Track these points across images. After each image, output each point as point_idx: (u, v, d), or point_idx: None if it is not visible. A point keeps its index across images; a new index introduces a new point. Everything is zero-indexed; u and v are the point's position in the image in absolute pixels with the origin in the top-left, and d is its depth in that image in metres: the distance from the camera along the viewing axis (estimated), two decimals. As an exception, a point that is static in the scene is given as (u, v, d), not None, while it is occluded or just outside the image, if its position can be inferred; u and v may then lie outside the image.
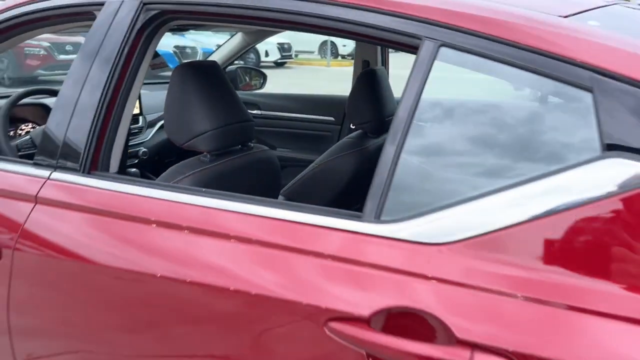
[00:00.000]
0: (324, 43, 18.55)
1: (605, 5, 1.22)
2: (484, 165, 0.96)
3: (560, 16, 0.99)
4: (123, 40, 1.19)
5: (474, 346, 0.80)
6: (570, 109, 0.91)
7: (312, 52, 19.47)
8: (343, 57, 19.46)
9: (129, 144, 2.17)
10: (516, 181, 0.86)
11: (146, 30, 1.21)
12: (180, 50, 11.85)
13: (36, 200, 1.18)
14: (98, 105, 1.18)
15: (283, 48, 16.64)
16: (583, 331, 0.79)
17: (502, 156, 0.95)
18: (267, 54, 16.21)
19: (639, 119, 0.81)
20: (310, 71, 16.31)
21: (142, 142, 2.36)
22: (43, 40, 9.26)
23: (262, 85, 3.11)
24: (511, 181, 0.86)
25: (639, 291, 0.78)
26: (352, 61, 2.92)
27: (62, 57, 9.31)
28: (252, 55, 15.42)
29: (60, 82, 1.55)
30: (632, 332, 0.77)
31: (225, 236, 1.01)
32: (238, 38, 2.64)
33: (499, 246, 0.85)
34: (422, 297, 0.85)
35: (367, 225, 0.92)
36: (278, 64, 17.08)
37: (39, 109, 2.10)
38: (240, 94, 2.13)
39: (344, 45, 18.76)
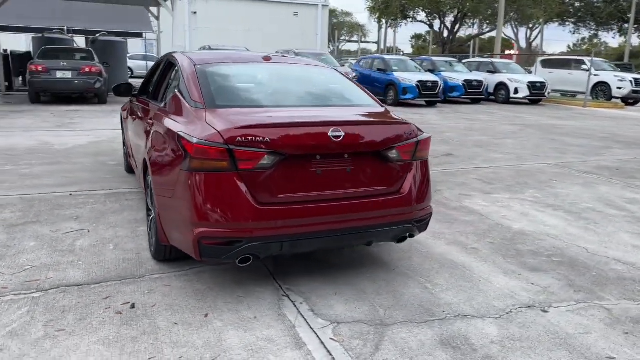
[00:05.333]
0: (597, 85, 20.01)
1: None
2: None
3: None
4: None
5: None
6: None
7: (579, 93, 20.86)
8: (623, 99, 20.07)
9: None
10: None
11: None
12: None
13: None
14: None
15: (534, 86, 18.11)
16: None
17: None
18: (516, 91, 18.23)
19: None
20: (558, 109, 17.57)
21: None
22: None
23: None
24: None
25: None
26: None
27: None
28: (502, 92, 17.51)
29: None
30: None
31: None
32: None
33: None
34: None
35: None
36: (532, 101, 18.93)
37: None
38: None
39: (619, 88, 19.93)
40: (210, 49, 16.10)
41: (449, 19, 28.47)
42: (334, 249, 3.79)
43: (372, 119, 3.22)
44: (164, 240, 3.26)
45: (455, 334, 2.77)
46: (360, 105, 3.60)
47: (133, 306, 2.95)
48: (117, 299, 3.02)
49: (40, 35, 16.86)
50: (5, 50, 16.59)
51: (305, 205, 2.91)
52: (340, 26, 73.36)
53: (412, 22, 31.32)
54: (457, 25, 28.87)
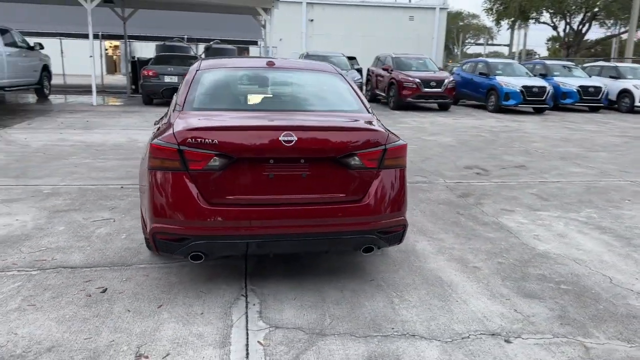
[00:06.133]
0: None
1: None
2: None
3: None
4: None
5: None
6: None
7: None
8: None
9: None
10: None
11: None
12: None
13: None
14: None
15: None
16: None
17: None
18: None
19: None
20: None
21: None
22: (416, 77, 15.12)
23: None
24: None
25: None
26: None
27: (426, 90, 14.93)
28: (626, 100, 16.70)
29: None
30: None
31: None
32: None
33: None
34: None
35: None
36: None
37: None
38: None
39: None
40: (308, 55, 16.61)
41: (577, 20, 26.06)
42: (308, 254, 3.77)
43: (333, 125, 3.16)
44: (146, 233, 3.50)
45: (387, 353, 2.63)
46: (343, 111, 3.54)
47: (104, 291, 3.22)
48: (96, 283, 3.32)
49: (162, 43, 18.64)
50: (133, 57, 18.60)
51: (255, 208, 2.95)
52: (466, 29, 70.68)
53: (534, 23, 29.29)
54: (586, 26, 26.27)
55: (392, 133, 3.22)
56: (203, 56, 17.88)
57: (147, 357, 2.54)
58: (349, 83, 3.92)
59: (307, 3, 35.44)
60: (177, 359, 2.54)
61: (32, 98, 15.64)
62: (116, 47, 39.36)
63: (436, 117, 13.89)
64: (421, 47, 35.23)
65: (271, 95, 3.77)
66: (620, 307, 3.22)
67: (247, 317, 2.95)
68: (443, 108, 16.07)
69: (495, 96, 15.58)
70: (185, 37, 20.25)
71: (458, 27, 66.56)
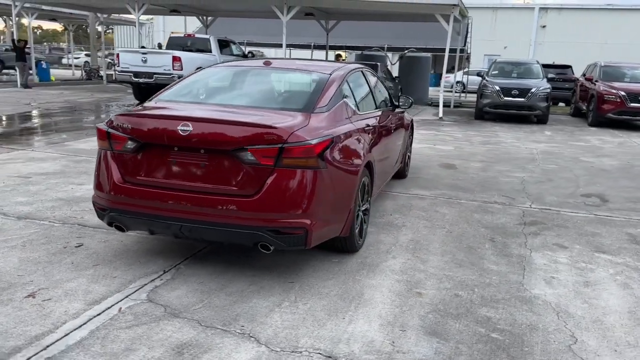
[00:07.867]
0: None
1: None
2: None
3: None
4: None
5: None
6: None
7: None
8: None
9: None
10: None
11: None
12: None
13: None
14: None
15: None
16: None
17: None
18: None
19: None
20: None
21: None
22: (621, 89, 12.99)
23: None
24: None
25: None
26: None
27: (633, 105, 12.77)
28: None
29: None
30: None
31: None
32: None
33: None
34: None
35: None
36: None
37: None
38: None
39: None
40: (495, 62, 15.55)
41: None
42: (223, 243, 3.83)
43: (227, 119, 3.19)
44: None
45: (201, 344, 2.64)
46: (283, 108, 3.53)
47: (79, 246, 3.90)
48: (81, 240, 4.03)
49: (360, 52, 19.69)
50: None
51: (157, 191, 3.23)
52: None
53: None
54: None
55: (297, 133, 3.10)
56: (397, 64, 18.32)
57: (34, 297, 3.08)
58: (327, 86, 3.81)
59: (540, 8, 32.70)
60: (50, 303, 3.01)
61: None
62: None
63: (635, 139, 11.57)
64: (684, 57, 29.18)
65: (234, 92, 3.98)
66: (534, 373, 2.51)
67: (140, 288, 3.26)
68: (661, 128, 13.24)
69: None
70: (385, 46, 20.92)
71: None
